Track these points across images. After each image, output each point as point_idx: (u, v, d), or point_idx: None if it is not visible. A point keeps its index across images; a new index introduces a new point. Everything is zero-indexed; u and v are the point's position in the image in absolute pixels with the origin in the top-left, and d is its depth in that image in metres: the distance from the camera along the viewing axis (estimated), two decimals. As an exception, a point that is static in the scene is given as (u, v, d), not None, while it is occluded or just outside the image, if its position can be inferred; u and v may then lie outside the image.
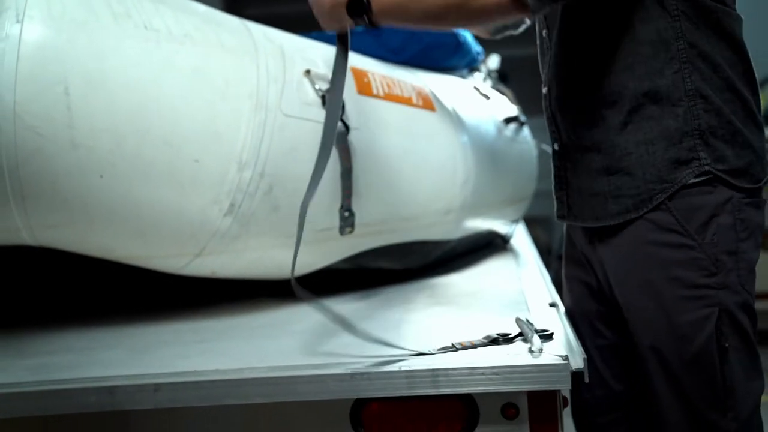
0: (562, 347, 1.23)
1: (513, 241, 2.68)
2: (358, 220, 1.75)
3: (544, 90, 1.62)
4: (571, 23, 1.51)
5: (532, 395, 1.18)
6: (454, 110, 2.07)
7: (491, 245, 2.56)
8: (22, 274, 1.96)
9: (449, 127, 1.99)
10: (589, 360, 1.61)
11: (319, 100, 1.64)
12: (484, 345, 1.26)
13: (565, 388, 1.16)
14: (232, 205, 1.52)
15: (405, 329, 1.45)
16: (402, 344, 1.28)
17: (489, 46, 2.86)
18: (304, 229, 1.65)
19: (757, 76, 1.51)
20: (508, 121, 2.43)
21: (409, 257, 1.99)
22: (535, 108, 1.79)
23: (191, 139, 1.47)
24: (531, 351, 1.20)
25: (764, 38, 1.63)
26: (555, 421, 1.19)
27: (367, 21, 1.54)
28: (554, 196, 1.64)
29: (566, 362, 1.15)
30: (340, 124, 1.66)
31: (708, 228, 1.41)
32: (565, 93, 1.56)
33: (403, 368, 1.17)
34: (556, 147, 1.61)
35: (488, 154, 2.17)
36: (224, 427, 1.25)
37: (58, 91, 1.37)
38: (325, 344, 1.36)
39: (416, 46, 2.31)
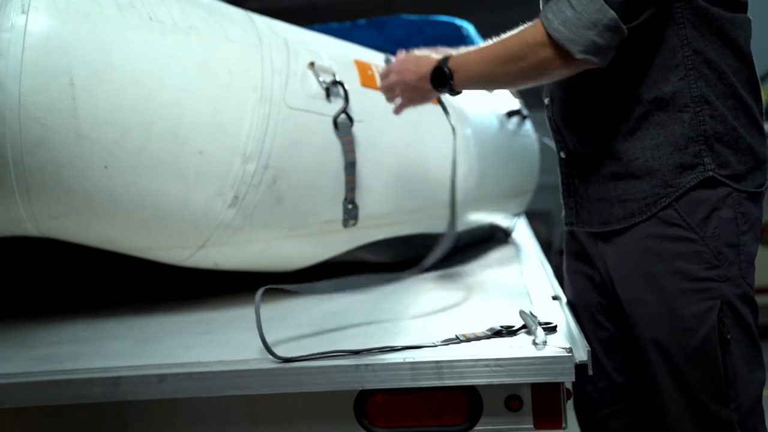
0: (565, 340, 1.23)
1: (515, 235, 2.68)
2: (361, 213, 1.75)
3: (546, 100, 1.63)
4: None
5: (535, 387, 1.18)
6: (457, 103, 2.07)
7: (493, 239, 2.56)
8: (25, 265, 1.96)
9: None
10: (592, 352, 1.62)
11: (323, 92, 1.65)
12: (488, 337, 1.27)
13: (568, 380, 1.16)
14: (236, 197, 1.52)
15: (409, 321, 1.46)
16: (406, 336, 1.29)
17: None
18: (308, 221, 1.67)
19: (757, 71, 1.52)
20: (511, 114, 2.44)
21: (412, 250, 1.99)
22: (537, 102, 1.79)
23: (196, 131, 1.47)
24: (535, 343, 1.20)
25: (764, 33, 1.62)
26: (558, 414, 1.19)
27: (449, 90, 1.58)
28: (563, 203, 1.66)
29: (570, 354, 1.15)
30: (343, 116, 1.67)
31: (710, 221, 1.43)
32: (570, 102, 1.56)
33: (407, 360, 1.17)
34: (563, 155, 1.62)
35: (490, 147, 2.17)
36: (228, 417, 1.25)
37: (63, 81, 1.37)
38: (329, 336, 1.36)
39: (420, 39, 2.31)
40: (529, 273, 1.92)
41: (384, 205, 1.79)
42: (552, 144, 1.70)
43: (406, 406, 1.21)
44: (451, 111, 1.71)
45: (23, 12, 1.36)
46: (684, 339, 1.43)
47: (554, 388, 1.18)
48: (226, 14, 1.60)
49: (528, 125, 2.61)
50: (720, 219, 1.42)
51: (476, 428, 1.20)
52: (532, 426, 1.19)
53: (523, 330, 1.28)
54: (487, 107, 2.31)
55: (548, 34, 1.39)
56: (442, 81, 1.56)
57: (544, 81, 1.50)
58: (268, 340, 1.24)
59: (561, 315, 1.42)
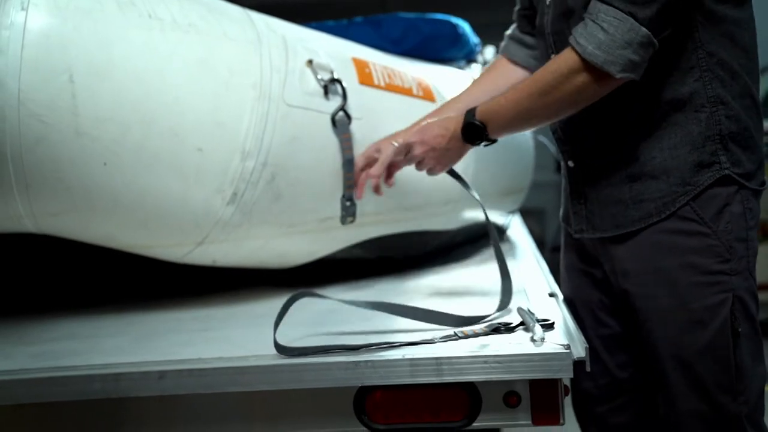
0: (563, 336, 1.24)
1: (510, 232, 2.69)
2: (359, 210, 1.76)
3: None
4: None
5: (534, 384, 1.19)
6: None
7: (487, 236, 2.57)
8: (22, 262, 1.96)
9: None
10: (592, 349, 1.64)
11: (321, 90, 1.65)
12: (486, 334, 1.28)
13: (567, 376, 1.17)
14: (234, 194, 1.53)
15: (407, 318, 1.46)
16: (404, 333, 1.30)
17: (486, 38, 2.87)
18: (306, 218, 1.67)
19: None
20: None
21: (409, 247, 2.00)
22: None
23: (195, 129, 1.47)
24: (533, 340, 1.21)
25: (764, 26, 1.64)
26: (556, 410, 1.20)
27: (486, 140, 1.58)
28: (570, 212, 1.66)
29: (568, 351, 1.16)
30: (341, 113, 1.67)
31: (722, 216, 1.46)
32: (580, 111, 1.56)
33: (406, 356, 1.18)
34: (570, 164, 1.63)
35: (486, 145, 2.17)
36: (227, 414, 1.25)
37: (63, 79, 1.37)
38: (328, 333, 1.37)
39: (416, 38, 2.33)
40: (525, 270, 1.93)
41: (381, 202, 1.79)
42: (547, 142, 1.71)
43: (405, 402, 1.22)
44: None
45: (23, 9, 1.36)
46: (696, 332, 1.45)
47: (552, 384, 1.19)
48: (225, 12, 1.61)
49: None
50: (731, 214, 1.46)
51: (475, 424, 1.21)
52: (530, 422, 1.20)
53: (521, 327, 1.29)
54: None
55: (583, 60, 1.40)
56: (477, 134, 1.56)
57: (583, 106, 1.49)
58: (268, 336, 1.24)
59: (558, 312, 1.43)
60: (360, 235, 1.82)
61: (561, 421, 1.21)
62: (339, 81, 1.69)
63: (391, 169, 1.66)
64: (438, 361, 1.18)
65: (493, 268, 2.02)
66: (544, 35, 1.61)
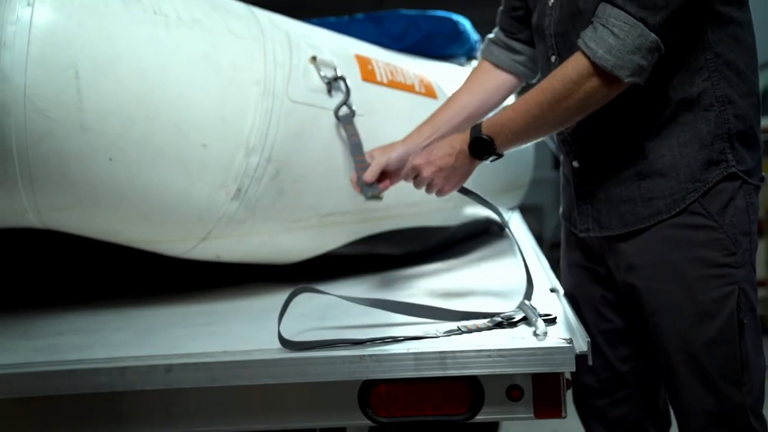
0: (565, 331, 1.25)
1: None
2: (361, 206, 1.77)
3: None
4: None
5: (536, 377, 1.20)
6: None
7: (488, 232, 2.58)
8: (24, 256, 1.97)
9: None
10: (594, 344, 1.66)
11: (324, 87, 1.66)
12: (489, 328, 1.29)
13: (569, 370, 1.18)
14: (239, 189, 1.54)
15: (410, 316, 1.47)
16: (407, 328, 1.31)
17: (485, 35, 2.87)
18: (309, 214, 1.68)
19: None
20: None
21: (410, 243, 2.01)
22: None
23: (199, 124, 1.48)
24: (536, 334, 1.22)
25: (764, 21, 1.66)
26: (558, 403, 1.21)
27: (494, 155, 1.57)
28: (575, 212, 1.66)
29: (570, 345, 1.17)
30: (345, 107, 1.68)
31: (727, 210, 1.47)
32: None
33: (411, 350, 1.19)
34: (575, 165, 1.63)
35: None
36: (231, 407, 1.26)
37: (68, 74, 1.38)
38: (331, 327, 1.38)
39: (417, 34, 2.34)
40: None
41: (383, 198, 1.80)
42: (546, 138, 1.72)
43: (409, 396, 1.22)
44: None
45: (29, 5, 1.37)
46: (703, 324, 1.47)
47: (555, 378, 1.20)
48: (229, 8, 1.62)
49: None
50: (736, 208, 1.48)
51: (478, 417, 1.22)
52: (532, 415, 1.21)
53: (524, 322, 1.30)
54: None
55: (593, 64, 1.41)
56: (485, 149, 1.55)
57: (590, 111, 1.48)
58: (272, 330, 1.25)
59: (559, 307, 1.44)
60: (363, 231, 1.83)
61: (563, 414, 1.22)
62: (343, 78, 1.69)
63: (383, 179, 1.66)
64: (442, 355, 1.19)
65: (495, 264, 2.04)
66: (544, 37, 1.61)
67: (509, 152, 1.61)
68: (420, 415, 1.23)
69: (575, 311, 1.45)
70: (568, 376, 1.23)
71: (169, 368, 1.20)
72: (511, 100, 1.89)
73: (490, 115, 1.60)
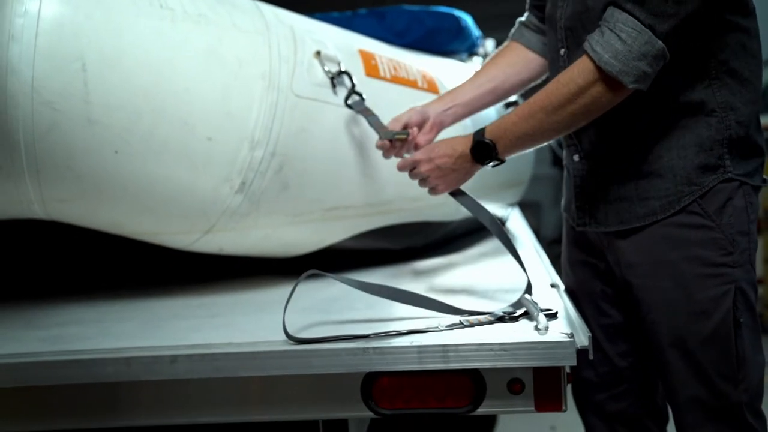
0: (566, 325, 1.27)
1: (509, 224, 2.72)
2: (364, 200, 1.78)
3: None
4: None
5: (537, 371, 1.22)
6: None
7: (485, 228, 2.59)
8: (28, 247, 1.98)
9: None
10: (594, 339, 1.67)
11: (329, 81, 1.67)
12: (491, 323, 1.31)
13: (570, 364, 1.19)
14: (243, 183, 1.55)
15: (411, 307, 1.48)
16: (409, 321, 1.32)
17: (487, 31, 2.89)
18: (313, 208, 1.69)
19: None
20: (508, 105, 2.47)
21: (412, 237, 2.03)
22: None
23: (205, 118, 1.49)
24: (537, 329, 1.23)
25: (763, 19, 1.66)
26: (559, 396, 1.23)
27: (496, 160, 1.57)
28: (574, 207, 1.68)
29: (572, 339, 1.19)
30: (354, 96, 1.69)
31: (725, 210, 1.48)
32: None
33: (414, 343, 1.21)
34: (576, 158, 1.64)
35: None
36: (234, 398, 1.27)
37: (76, 67, 1.39)
38: (335, 321, 1.39)
39: (419, 30, 2.35)
40: (526, 261, 1.95)
41: (387, 192, 1.82)
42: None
43: (411, 388, 1.24)
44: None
45: (37, -3, 1.38)
46: (700, 322, 1.48)
47: (555, 371, 1.22)
48: (235, 3, 1.62)
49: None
50: (734, 208, 1.48)
51: (479, 410, 1.24)
52: (533, 408, 1.23)
53: (525, 316, 1.32)
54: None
55: (598, 68, 1.41)
56: (486, 153, 1.55)
57: (594, 117, 1.49)
58: (275, 322, 1.27)
59: (560, 302, 1.46)
60: (366, 225, 1.84)
61: (563, 407, 1.23)
62: (347, 73, 1.70)
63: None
64: (444, 349, 1.20)
65: (496, 259, 2.05)
66: (555, 28, 1.61)
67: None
68: (422, 408, 1.25)
69: (576, 306, 1.46)
70: (568, 370, 1.24)
71: (173, 359, 1.22)
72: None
73: (494, 118, 1.60)
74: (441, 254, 2.10)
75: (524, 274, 1.52)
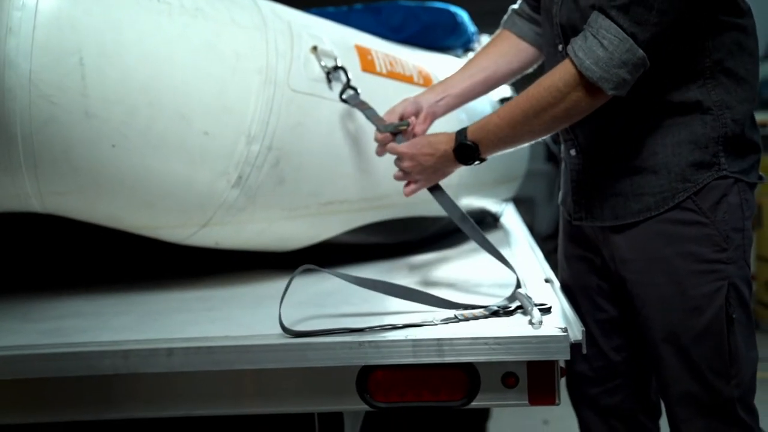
0: (560, 320, 1.28)
1: (503, 220, 2.73)
2: (359, 195, 1.79)
3: None
4: None
5: (531, 365, 1.23)
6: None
7: (482, 223, 2.61)
8: (26, 240, 1.98)
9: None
10: (589, 333, 1.70)
11: (324, 77, 1.68)
12: (485, 317, 1.32)
13: (563, 358, 1.21)
14: (239, 177, 1.56)
15: (406, 301, 1.49)
16: (404, 316, 1.33)
17: (483, 27, 2.89)
18: (309, 202, 1.70)
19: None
20: (503, 101, 2.48)
21: (407, 232, 2.04)
22: (526, 82, 1.83)
23: (202, 112, 1.50)
24: (531, 323, 1.24)
25: (760, 15, 1.67)
26: (552, 390, 1.24)
27: (478, 160, 1.60)
28: (570, 200, 1.69)
29: (566, 334, 1.20)
30: (349, 90, 1.70)
31: (720, 207, 1.50)
32: None
33: (409, 337, 1.22)
34: (573, 153, 1.66)
35: (484, 133, 2.20)
36: (231, 391, 1.28)
37: (73, 60, 1.39)
38: (330, 314, 1.40)
39: (415, 25, 2.36)
40: (520, 256, 1.97)
41: (382, 187, 1.83)
42: None
43: (406, 382, 1.25)
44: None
45: (35, -9, 1.38)
46: (693, 318, 1.49)
47: (549, 366, 1.23)
48: (232, -3, 1.63)
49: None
50: (729, 205, 1.50)
51: (473, 403, 1.25)
52: (527, 402, 1.24)
53: (519, 311, 1.33)
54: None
55: (579, 73, 1.42)
56: (469, 154, 1.58)
57: (575, 121, 1.52)
58: (272, 316, 1.27)
59: (554, 297, 1.47)
60: (361, 220, 1.85)
61: (557, 401, 1.25)
62: (343, 68, 1.71)
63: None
64: (439, 342, 1.21)
65: (488, 254, 2.06)
66: (551, 23, 1.62)
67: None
68: (417, 401, 1.26)
69: (570, 301, 1.48)
70: (562, 364, 1.25)
71: (170, 352, 1.22)
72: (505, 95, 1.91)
73: (488, 111, 1.62)
74: (436, 249, 2.11)
75: (508, 269, 1.53)
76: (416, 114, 1.70)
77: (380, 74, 1.87)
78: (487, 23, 3.11)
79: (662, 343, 1.54)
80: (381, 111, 1.70)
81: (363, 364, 1.23)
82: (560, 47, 1.60)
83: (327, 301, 1.50)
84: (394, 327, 1.26)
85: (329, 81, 1.70)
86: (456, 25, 2.50)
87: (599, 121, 1.56)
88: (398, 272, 1.84)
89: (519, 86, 2.67)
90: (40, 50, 1.37)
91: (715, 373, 1.50)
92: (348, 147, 1.74)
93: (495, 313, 1.32)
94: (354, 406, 1.26)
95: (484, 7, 3.56)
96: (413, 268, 1.90)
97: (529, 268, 1.78)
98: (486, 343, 1.21)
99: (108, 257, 2.03)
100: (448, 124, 1.77)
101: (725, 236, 1.49)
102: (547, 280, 1.63)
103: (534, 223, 6.96)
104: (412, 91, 1.86)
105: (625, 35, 1.39)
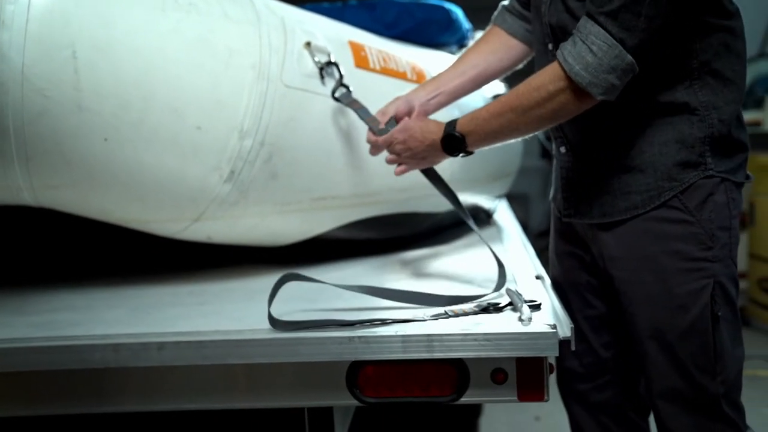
0: (550, 317, 1.29)
1: (496, 216, 2.74)
2: (352, 191, 1.79)
3: None
4: None
5: (520, 361, 1.24)
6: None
7: (475, 219, 2.61)
8: (18, 233, 1.98)
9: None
10: (579, 329, 1.71)
11: (318, 72, 1.68)
12: (475, 313, 1.32)
13: (552, 354, 1.22)
14: (232, 172, 1.56)
15: (398, 302, 1.50)
16: (395, 312, 1.34)
17: (477, 24, 2.89)
18: (301, 198, 1.71)
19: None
20: (496, 97, 2.48)
21: (399, 228, 2.04)
22: (517, 78, 1.83)
23: (195, 107, 1.50)
24: (521, 320, 1.25)
25: (752, 15, 1.68)
26: (541, 386, 1.25)
27: (463, 152, 1.62)
28: (560, 197, 1.71)
29: (554, 331, 1.21)
30: (341, 88, 1.71)
31: (706, 205, 1.51)
32: None
33: (399, 333, 1.22)
34: (563, 150, 1.67)
35: (477, 130, 2.21)
36: (221, 385, 1.28)
37: (66, 54, 1.39)
38: (321, 309, 1.40)
39: (409, 22, 2.35)
40: (512, 253, 1.97)
41: (374, 183, 1.83)
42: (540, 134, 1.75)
43: (396, 377, 1.26)
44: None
45: (28, -16, 1.38)
46: (678, 316, 1.51)
47: (538, 362, 1.24)
48: (226, -8, 1.63)
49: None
50: (715, 203, 1.50)
51: (463, 399, 1.26)
52: (515, 398, 1.25)
53: (509, 307, 1.34)
54: (474, 90, 2.34)
55: (568, 78, 1.44)
56: (456, 146, 1.60)
57: (561, 121, 1.54)
58: (263, 311, 1.28)
59: (544, 294, 1.47)
60: (353, 215, 1.85)
61: (545, 397, 1.25)
62: (336, 64, 1.71)
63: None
64: (429, 338, 1.22)
65: (482, 251, 2.07)
66: (540, 21, 1.63)
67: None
68: (406, 396, 1.27)
69: (561, 297, 1.49)
70: (551, 360, 1.26)
71: (161, 346, 1.23)
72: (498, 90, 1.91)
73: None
74: (428, 245, 2.12)
75: (496, 259, 1.55)
76: (409, 113, 1.70)
77: (374, 70, 1.88)
78: (482, 20, 3.10)
79: (648, 340, 1.55)
80: (374, 107, 1.71)
81: (353, 360, 1.24)
82: (550, 46, 1.61)
83: (319, 297, 1.50)
84: (384, 322, 1.27)
85: (322, 77, 1.70)
86: (450, 22, 2.50)
87: (588, 120, 1.57)
88: (391, 268, 1.85)
89: (512, 82, 2.67)
90: (33, 44, 1.38)
91: (700, 370, 1.51)
92: (341, 143, 1.75)
93: (485, 310, 1.33)
94: (344, 401, 1.27)
95: (478, 4, 3.56)
96: (405, 263, 1.90)
97: (521, 265, 1.79)
98: (475, 339, 1.21)
99: (101, 251, 2.03)
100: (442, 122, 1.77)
101: (711, 235, 1.50)
102: (538, 277, 1.64)
103: (528, 219, 6.98)
104: (406, 88, 1.87)
105: (614, 41, 1.40)
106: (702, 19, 1.47)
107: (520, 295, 1.35)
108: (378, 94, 1.78)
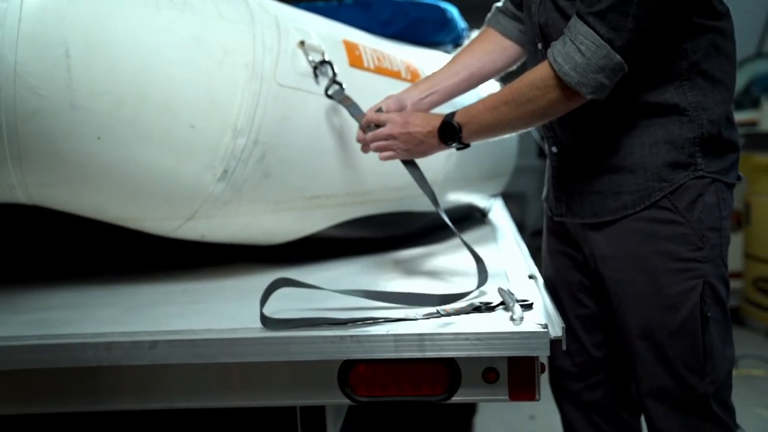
0: (541, 316, 1.29)
1: (491, 215, 2.74)
2: (346, 189, 1.79)
3: None
4: None
5: (512, 361, 1.24)
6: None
7: (470, 218, 2.62)
8: (13, 232, 1.98)
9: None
10: (571, 329, 1.72)
11: (311, 71, 1.68)
12: (467, 312, 1.33)
13: (544, 354, 1.22)
14: (225, 170, 1.56)
15: (391, 303, 1.50)
16: (387, 311, 1.34)
17: (473, 23, 2.90)
18: (294, 196, 1.71)
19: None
20: (493, 96, 2.48)
21: (393, 227, 2.05)
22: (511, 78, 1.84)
23: (188, 105, 1.50)
24: (512, 319, 1.25)
25: (742, 18, 1.68)
26: (532, 386, 1.25)
27: (458, 143, 1.63)
28: (552, 196, 1.72)
29: (546, 330, 1.21)
30: (334, 85, 1.71)
31: (696, 206, 1.51)
32: None
33: (390, 332, 1.23)
34: (554, 150, 1.67)
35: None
36: (213, 384, 1.29)
37: (59, 52, 1.39)
38: (313, 308, 1.40)
39: (404, 20, 2.35)
40: (506, 252, 1.98)
41: (368, 182, 1.83)
42: (534, 131, 1.75)
43: (387, 376, 1.26)
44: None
45: (21, -18, 1.38)
46: (668, 316, 1.51)
47: (530, 361, 1.24)
48: (220, -9, 1.63)
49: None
50: (705, 204, 1.51)
51: (454, 398, 1.26)
52: (507, 397, 1.26)
53: (501, 306, 1.34)
54: (469, 90, 2.34)
55: (558, 77, 1.45)
56: (451, 135, 1.61)
57: (553, 118, 1.56)
58: (256, 309, 1.28)
59: (537, 293, 1.48)
60: (347, 214, 1.86)
61: (537, 397, 1.26)
62: (330, 63, 1.71)
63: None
64: (421, 337, 1.22)
65: (476, 250, 2.07)
66: (531, 21, 1.64)
67: (493, 139, 1.65)
68: (398, 395, 1.27)
69: (553, 297, 1.49)
70: (543, 360, 1.27)
71: (153, 344, 1.23)
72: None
73: (467, 102, 1.64)
74: (422, 244, 2.12)
75: (474, 257, 1.57)
76: (400, 111, 1.71)
77: (368, 69, 1.88)
78: (478, 19, 3.11)
79: (638, 340, 1.55)
80: (367, 106, 1.71)
81: (345, 358, 1.24)
82: (540, 45, 1.62)
83: (312, 296, 1.50)
84: (376, 321, 1.27)
85: (316, 76, 1.70)
86: (446, 21, 2.50)
87: (578, 120, 1.57)
88: (383, 267, 1.85)
89: (506, 83, 2.67)
90: (25, 41, 1.37)
91: (689, 370, 1.52)
92: (334, 141, 1.75)
93: (477, 309, 1.33)
94: (336, 399, 1.27)
95: (474, 3, 3.56)
96: (399, 262, 1.90)
97: (514, 264, 1.79)
98: (467, 339, 1.22)
99: (95, 250, 2.03)
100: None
101: (701, 235, 1.50)
102: (530, 276, 1.64)
103: (524, 218, 6.99)
104: (400, 87, 1.87)
105: (602, 41, 1.41)
106: (691, 19, 1.48)
107: (512, 294, 1.35)
108: (372, 93, 1.78)
